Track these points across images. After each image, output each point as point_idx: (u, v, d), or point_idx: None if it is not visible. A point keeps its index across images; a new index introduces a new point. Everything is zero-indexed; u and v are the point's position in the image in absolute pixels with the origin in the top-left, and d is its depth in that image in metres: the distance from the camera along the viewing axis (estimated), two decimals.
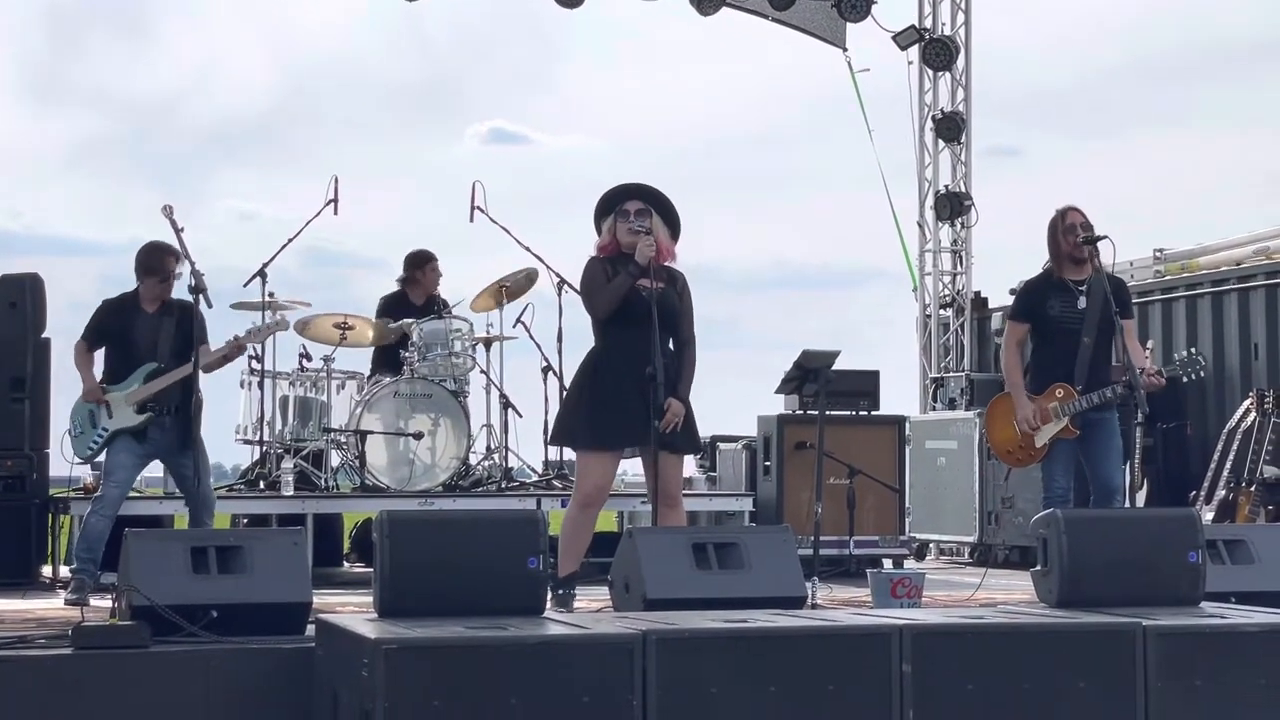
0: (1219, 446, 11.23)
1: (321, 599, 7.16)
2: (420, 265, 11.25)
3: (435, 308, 10.95)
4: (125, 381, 8.35)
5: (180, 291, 8.31)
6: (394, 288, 11.34)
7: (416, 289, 11.21)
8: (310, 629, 5.92)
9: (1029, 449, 8.13)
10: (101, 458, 8.52)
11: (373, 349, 11.19)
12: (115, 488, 8.33)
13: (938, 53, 14.43)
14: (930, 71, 14.56)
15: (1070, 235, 8.04)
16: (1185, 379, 8.44)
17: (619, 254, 7.50)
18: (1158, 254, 13.36)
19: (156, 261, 8.38)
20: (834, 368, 9.08)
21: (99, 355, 8.50)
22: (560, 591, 7.30)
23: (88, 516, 8.36)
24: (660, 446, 7.30)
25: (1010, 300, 9.96)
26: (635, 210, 7.50)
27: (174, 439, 8.33)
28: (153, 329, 8.38)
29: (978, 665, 5.42)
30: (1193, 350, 8.72)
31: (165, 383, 8.28)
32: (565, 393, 7.65)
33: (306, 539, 6.80)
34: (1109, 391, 7.93)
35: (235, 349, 8.55)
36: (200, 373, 8.18)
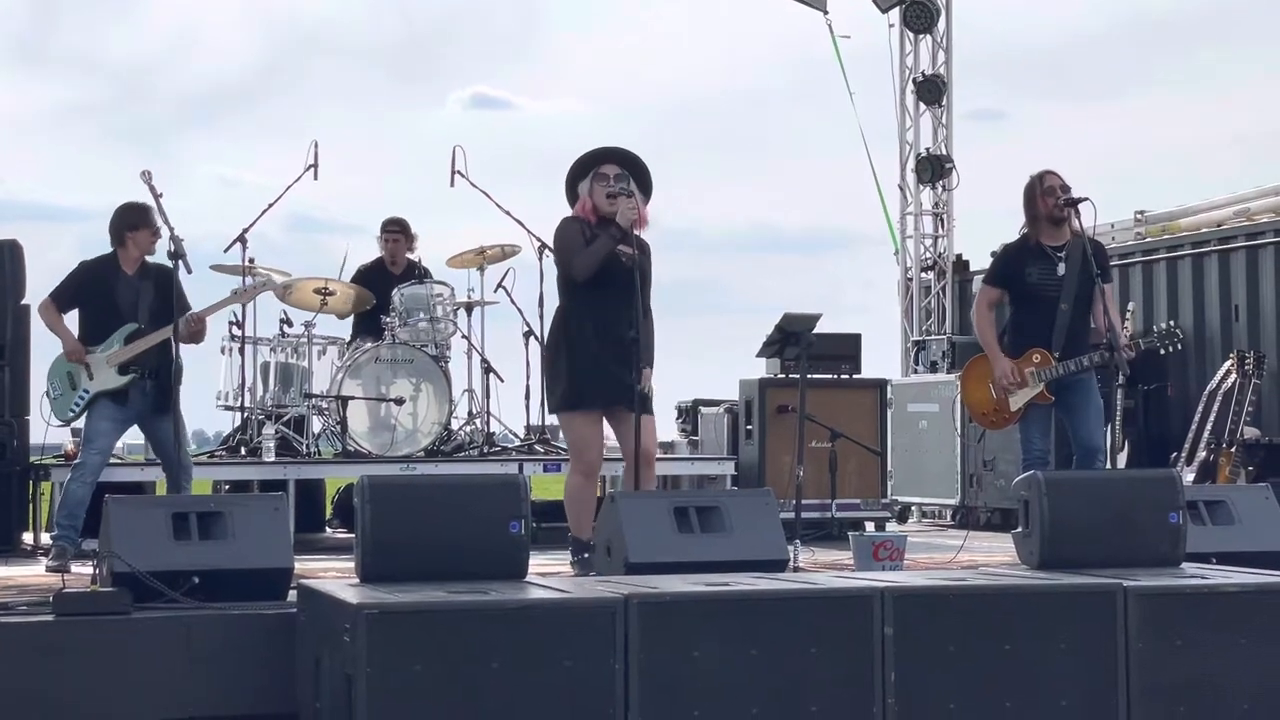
0: (1200, 408, 11.25)
1: (304, 565, 7.16)
2: (383, 232, 11.26)
3: (416, 273, 10.93)
4: (104, 343, 8.31)
5: (159, 257, 8.28)
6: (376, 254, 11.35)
7: (386, 257, 11.22)
8: (292, 594, 5.93)
9: (1003, 412, 8.14)
10: (81, 421, 8.48)
11: (353, 315, 11.17)
12: (96, 454, 8.29)
13: (919, 15, 14.43)
14: (911, 34, 14.55)
15: (1049, 197, 8.02)
16: (1163, 351, 8.45)
17: (596, 217, 7.47)
18: (1139, 216, 13.36)
19: (140, 216, 8.30)
20: (815, 331, 9.07)
21: (68, 318, 8.45)
22: (585, 555, 7.29)
23: (68, 483, 8.33)
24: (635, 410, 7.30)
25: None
26: (614, 174, 7.47)
27: (154, 403, 8.29)
28: (133, 291, 8.34)
29: (959, 627, 5.44)
30: (1171, 323, 8.73)
31: (147, 344, 8.24)
32: (546, 359, 7.60)
33: (288, 505, 6.78)
34: (1085, 360, 7.94)
35: (224, 304, 8.49)
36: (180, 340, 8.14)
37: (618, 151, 7.60)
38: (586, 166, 7.55)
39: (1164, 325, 8.55)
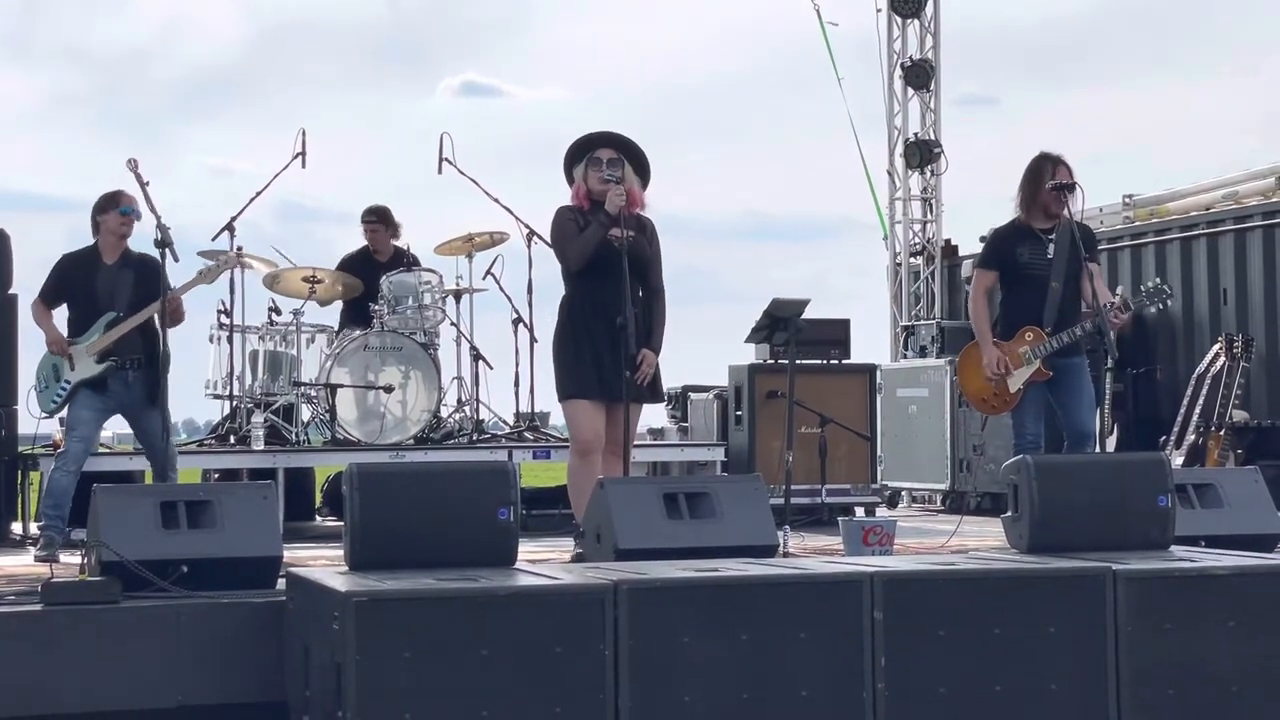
0: (1188, 391, 11.27)
1: (293, 553, 7.15)
2: (362, 222, 11.25)
3: (404, 261, 10.92)
4: (87, 333, 8.30)
5: (145, 245, 8.26)
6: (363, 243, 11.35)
7: (370, 245, 11.21)
8: (281, 583, 5.92)
9: (1004, 395, 8.13)
10: (65, 412, 8.47)
11: (341, 303, 11.16)
12: (78, 442, 8.28)
13: None
14: (899, 19, 14.55)
15: (1053, 190, 7.97)
16: (1154, 309, 8.44)
17: (590, 203, 7.48)
18: (1127, 200, 13.37)
19: (107, 200, 8.31)
20: (804, 316, 9.05)
21: (58, 313, 8.44)
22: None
23: (52, 473, 8.32)
24: (630, 398, 7.30)
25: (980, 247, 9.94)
26: (607, 159, 7.47)
27: (138, 394, 8.28)
28: (112, 280, 8.33)
29: (949, 611, 5.45)
30: (1158, 280, 8.68)
31: (125, 329, 8.22)
32: (552, 349, 7.61)
33: (277, 493, 6.78)
34: (1078, 329, 7.93)
35: (192, 285, 8.40)
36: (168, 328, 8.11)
37: (611, 136, 7.60)
38: (581, 151, 7.55)
39: (1152, 282, 8.51)
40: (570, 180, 7.61)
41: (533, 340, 10.91)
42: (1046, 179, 8.00)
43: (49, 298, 8.43)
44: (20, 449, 9.71)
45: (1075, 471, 6.54)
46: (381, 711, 4.94)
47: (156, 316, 8.12)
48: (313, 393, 10.41)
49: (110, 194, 8.34)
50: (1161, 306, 8.40)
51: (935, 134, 14.52)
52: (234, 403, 10.55)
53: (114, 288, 8.32)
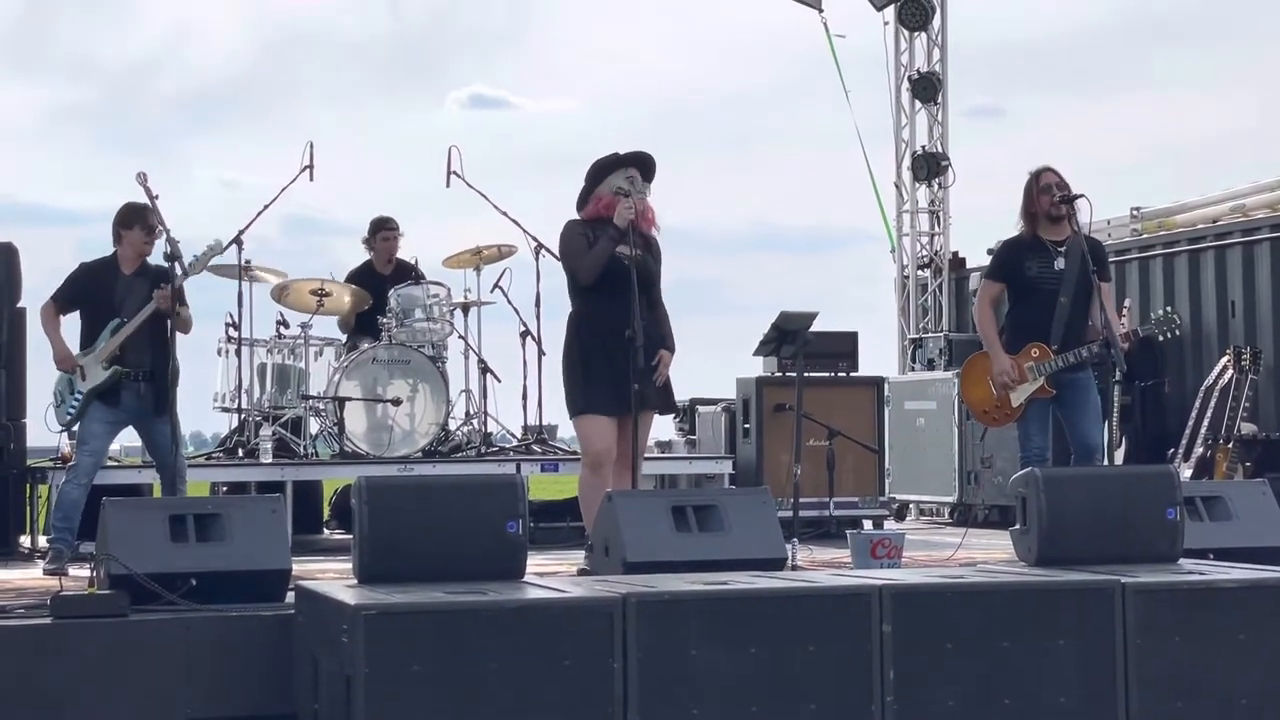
0: (1196, 404, 11.25)
1: (302, 566, 7.16)
2: (373, 234, 11.25)
3: (412, 274, 10.93)
4: (95, 342, 8.32)
5: (156, 258, 8.28)
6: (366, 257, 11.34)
7: (379, 258, 11.21)
8: (290, 596, 5.92)
9: (1005, 408, 8.12)
10: (77, 425, 8.48)
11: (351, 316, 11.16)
12: (89, 455, 8.29)
13: (913, 12, 14.45)
14: (906, 31, 14.57)
15: (1046, 195, 8.02)
16: (1161, 338, 8.44)
17: (599, 218, 7.51)
18: (1135, 212, 13.36)
19: (133, 215, 8.32)
20: (812, 329, 9.05)
21: (71, 322, 8.44)
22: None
23: (62, 485, 8.34)
24: (642, 407, 7.32)
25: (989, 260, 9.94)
26: (628, 177, 7.55)
27: (149, 406, 8.29)
28: (127, 289, 8.34)
29: (957, 625, 5.45)
30: (1168, 309, 8.71)
31: (129, 330, 8.22)
32: (562, 364, 7.64)
33: (286, 506, 6.78)
34: (1084, 351, 7.92)
35: (176, 290, 8.37)
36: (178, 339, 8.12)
37: (641, 158, 7.67)
38: (608, 169, 7.60)
39: (1161, 311, 8.53)
40: (587, 195, 7.63)
41: (541, 353, 10.93)
42: (1035, 191, 8.06)
43: (62, 302, 8.43)
44: (29, 462, 9.72)
45: (1083, 484, 6.54)
46: None
47: (169, 328, 8.12)
48: (321, 406, 10.42)
49: (136, 209, 8.30)
50: (1170, 335, 8.40)
51: (943, 146, 14.52)
52: (242, 416, 10.56)
53: (127, 296, 8.34)
